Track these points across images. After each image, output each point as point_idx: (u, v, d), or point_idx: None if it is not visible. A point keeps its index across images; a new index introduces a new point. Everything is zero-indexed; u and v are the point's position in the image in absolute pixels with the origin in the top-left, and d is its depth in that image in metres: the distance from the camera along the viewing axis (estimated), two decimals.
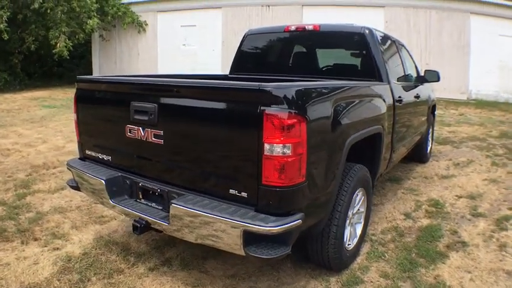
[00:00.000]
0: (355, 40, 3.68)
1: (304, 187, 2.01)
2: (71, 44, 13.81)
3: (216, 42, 15.56)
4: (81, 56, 18.78)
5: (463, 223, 3.67)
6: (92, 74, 17.66)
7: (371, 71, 3.51)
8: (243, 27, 14.90)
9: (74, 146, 6.33)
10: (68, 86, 15.84)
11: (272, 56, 4.43)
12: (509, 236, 3.37)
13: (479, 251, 3.14)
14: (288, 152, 1.88)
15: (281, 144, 1.86)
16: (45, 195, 4.18)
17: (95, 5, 14.10)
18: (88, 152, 2.87)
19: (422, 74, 4.91)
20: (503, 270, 2.84)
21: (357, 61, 3.79)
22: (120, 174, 2.57)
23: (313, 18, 14.07)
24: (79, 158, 2.99)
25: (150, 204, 2.46)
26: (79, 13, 13.72)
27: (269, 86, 1.88)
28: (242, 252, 1.98)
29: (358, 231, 3.01)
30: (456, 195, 4.40)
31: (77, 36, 14.30)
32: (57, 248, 3.04)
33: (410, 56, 5.05)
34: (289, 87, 1.91)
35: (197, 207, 2.04)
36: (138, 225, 2.31)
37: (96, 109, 2.81)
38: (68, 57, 14.19)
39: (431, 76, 4.72)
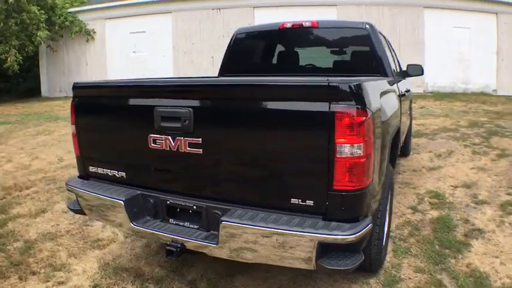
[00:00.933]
0: (357, 36, 3.63)
1: (370, 188, 1.88)
2: (20, 57, 13.07)
3: (166, 47, 15.37)
4: (28, 70, 17.55)
5: (470, 211, 3.73)
6: (40, 87, 16.65)
7: (376, 66, 3.47)
8: (194, 31, 15.02)
9: (41, 164, 5.81)
10: (18, 100, 14.75)
11: (267, 55, 4.24)
12: None
13: (497, 236, 3.20)
14: (359, 152, 1.74)
15: (353, 144, 1.73)
16: (27, 220, 3.72)
17: (43, 16, 13.39)
18: (92, 169, 2.51)
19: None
20: None
21: (361, 57, 3.74)
22: (139, 192, 2.27)
23: (265, 19, 14.02)
24: (79, 177, 2.63)
25: (181, 223, 2.18)
26: (28, 25, 12.97)
27: (336, 81, 1.72)
28: (312, 266, 1.81)
29: (385, 228, 2.93)
30: (451, 185, 4.50)
31: (26, 49, 13.54)
32: (62, 282, 2.67)
33: (393, 50, 5.12)
34: (354, 82, 1.76)
35: (258, 223, 1.82)
36: (174, 249, 2.03)
37: (103, 119, 2.46)
38: (18, 71, 13.40)
39: (414, 70, 4.78)
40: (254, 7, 14.71)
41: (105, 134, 2.46)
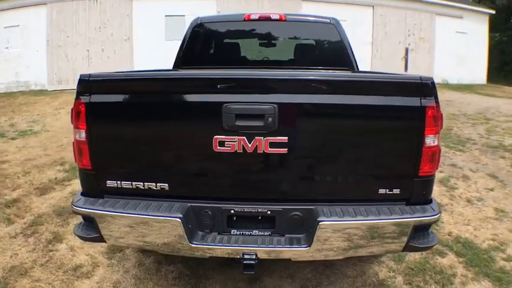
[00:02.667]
0: (326, 30, 3.74)
1: None
2: None
3: (40, 42, 14.16)
4: None
5: None
6: None
7: (346, 60, 3.64)
8: (69, 23, 14.18)
9: None
10: None
11: (229, 46, 4.02)
12: (466, 193, 4.14)
13: (457, 208, 3.77)
14: (436, 141, 1.90)
15: (434, 135, 1.88)
16: None
17: None
18: (111, 184, 2.04)
19: None
20: (490, 218, 3.51)
21: (330, 51, 3.85)
22: (189, 205, 1.97)
23: (142, 10, 14.10)
24: (86, 195, 2.09)
25: (248, 232, 1.99)
26: None
27: (425, 78, 1.83)
28: (401, 248, 1.92)
29: None
30: None
31: None
32: None
33: None
34: (432, 79, 1.88)
35: (358, 218, 1.82)
36: (253, 262, 1.86)
37: (138, 121, 2.00)
38: None
39: None
40: None
41: (140, 140, 2.01)
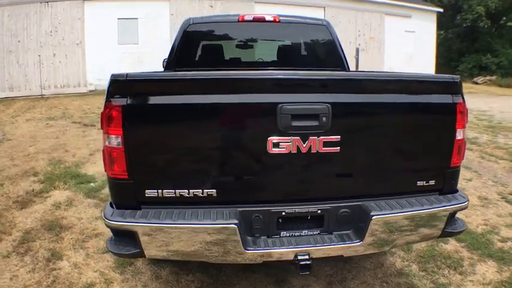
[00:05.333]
0: (319, 31, 3.84)
1: None
2: None
3: None
4: None
5: None
6: None
7: (339, 60, 3.77)
8: (20, 27, 13.63)
9: None
10: None
11: (223, 48, 3.97)
12: None
13: None
14: (463, 134, 2.08)
15: (463, 129, 2.06)
16: None
17: None
18: (151, 194, 1.89)
19: None
20: (476, 205, 3.84)
21: (323, 51, 3.94)
22: (239, 210, 1.90)
23: (94, 13, 13.89)
24: (120, 207, 1.92)
25: (297, 233, 1.99)
26: None
27: (456, 78, 2.00)
28: (438, 235, 2.07)
29: None
30: None
31: None
32: None
33: None
34: (459, 78, 2.04)
35: (406, 209, 1.92)
36: (309, 261, 1.86)
37: (186, 124, 1.88)
38: None
39: None
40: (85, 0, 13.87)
41: (186, 144, 1.89)
